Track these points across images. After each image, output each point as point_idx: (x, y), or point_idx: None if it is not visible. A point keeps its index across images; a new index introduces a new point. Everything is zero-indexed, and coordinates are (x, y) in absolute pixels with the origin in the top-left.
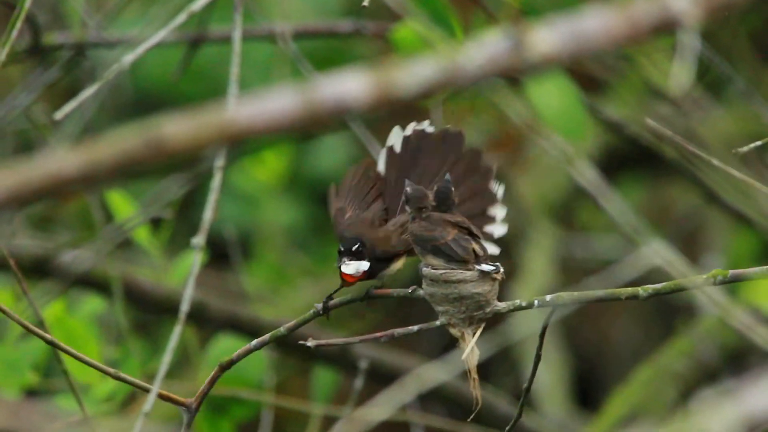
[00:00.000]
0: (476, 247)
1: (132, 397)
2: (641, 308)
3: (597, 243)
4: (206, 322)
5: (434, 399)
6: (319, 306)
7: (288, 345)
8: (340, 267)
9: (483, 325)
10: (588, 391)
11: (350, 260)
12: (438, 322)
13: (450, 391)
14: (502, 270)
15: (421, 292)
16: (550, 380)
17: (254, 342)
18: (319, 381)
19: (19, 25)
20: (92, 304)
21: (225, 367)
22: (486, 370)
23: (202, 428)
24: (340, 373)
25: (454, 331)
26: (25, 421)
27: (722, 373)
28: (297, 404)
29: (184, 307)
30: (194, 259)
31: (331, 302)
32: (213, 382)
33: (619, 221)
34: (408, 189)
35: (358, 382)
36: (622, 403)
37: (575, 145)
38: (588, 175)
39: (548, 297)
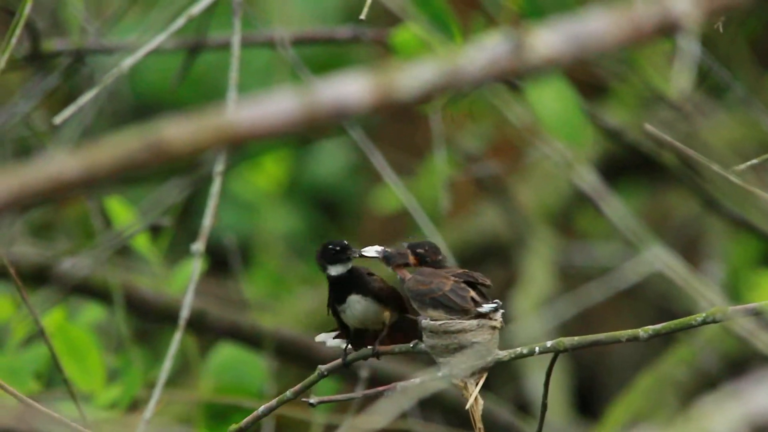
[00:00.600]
0: (474, 294)
1: (135, 404)
2: (642, 316)
3: (596, 250)
4: (206, 330)
5: (433, 406)
6: (323, 368)
7: (288, 354)
8: (360, 253)
9: (485, 375)
10: (589, 399)
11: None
12: (440, 374)
13: (449, 400)
14: (501, 312)
15: (422, 345)
16: (551, 388)
17: (262, 408)
18: (320, 390)
19: (18, 31)
20: (92, 312)
21: None
22: (487, 378)
23: None
24: (341, 382)
25: (456, 382)
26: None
27: (723, 381)
28: (298, 413)
29: (184, 313)
30: (194, 265)
31: (333, 363)
32: None
33: (620, 226)
34: (387, 250)
35: (359, 391)
36: (623, 411)
37: (575, 151)
38: (588, 180)
39: (548, 343)
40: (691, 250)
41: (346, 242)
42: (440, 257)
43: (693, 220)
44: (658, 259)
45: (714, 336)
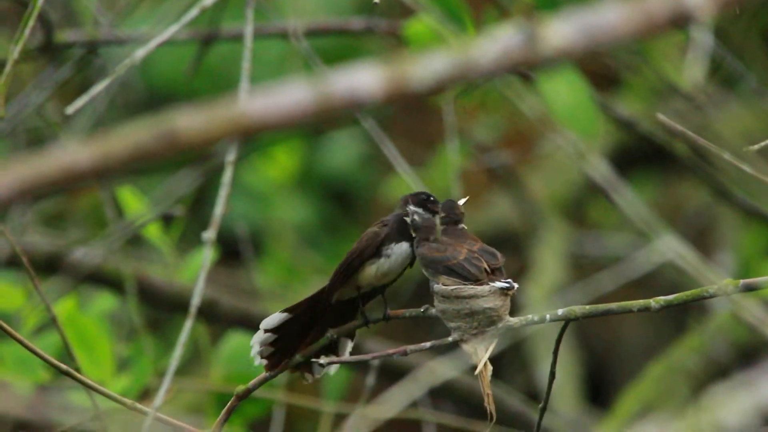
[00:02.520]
0: (488, 264)
1: (146, 392)
2: None
3: (608, 240)
4: (218, 319)
5: (444, 396)
6: (333, 331)
7: None
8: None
9: (495, 341)
10: (599, 388)
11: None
12: (450, 339)
13: (460, 388)
14: (516, 286)
15: (433, 310)
16: (561, 378)
17: (270, 372)
18: (331, 378)
19: (32, 23)
20: (104, 301)
21: (241, 396)
22: (497, 366)
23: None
24: (352, 371)
25: (466, 347)
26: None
27: (733, 369)
28: (308, 402)
29: (195, 301)
30: (205, 253)
31: (344, 326)
32: (230, 412)
33: (632, 216)
34: (416, 217)
35: (370, 379)
36: (634, 401)
37: (587, 141)
38: (600, 171)
39: (560, 311)
40: (702, 240)
41: (437, 199)
42: (452, 219)
43: (705, 210)
44: (670, 248)
45: (725, 324)
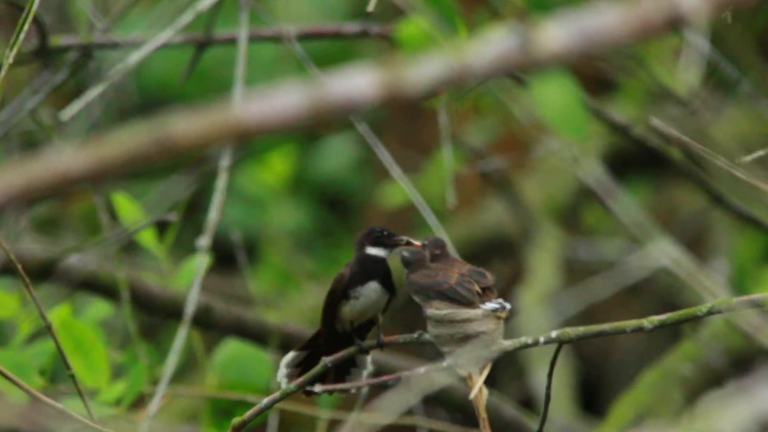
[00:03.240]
0: (479, 287)
1: (141, 399)
2: (647, 312)
3: (602, 245)
4: (212, 326)
5: (439, 403)
6: (328, 360)
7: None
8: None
9: (490, 365)
10: (594, 395)
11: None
12: (445, 363)
13: (454, 396)
14: (508, 307)
15: (426, 335)
16: (555, 384)
17: (266, 400)
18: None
19: (26, 27)
20: (98, 308)
21: (238, 428)
22: (491, 374)
23: None
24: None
25: (461, 372)
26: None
27: (728, 376)
28: (303, 408)
29: (189, 308)
30: (199, 260)
31: (338, 355)
32: None
33: (626, 221)
34: (405, 253)
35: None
36: (628, 407)
37: (581, 146)
38: (594, 176)
39: (553, 333)
40: (697, 245)
41: (392, 232)
42: (438, 251)
43: (699, 215)
44: (664, 254)
45: (719, 331)
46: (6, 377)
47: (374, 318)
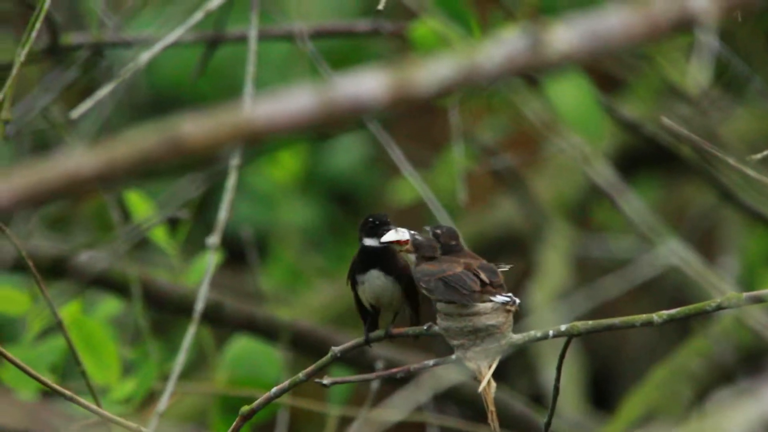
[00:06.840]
0: (484, 278)
1: (151, 396)
2: (657, 310)
3: (613, 243)
4: (223, 322)
5: (449, 399)
6: (337, 349)
7: (304, 346)
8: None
9: (499, 358)
10: (604, 391)
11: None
12: (454, 357)
13: (464, 392)
14: (517, 301)
15: (436, 328)
16: (565, 380)
17: (274, 389)
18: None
19: (38, 25)
20: (109, 305)
21: (247, 417)
22: (501, 369)
23: (218, 429)
24: (356, 374)
25: (470, 365)
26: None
27: (738, 373)
28: (313, 405)
29: (199, 305)
30: (210, 258)
31: (346, 344)
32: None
33: (636, 220)
34: (418, 238)
35: (375, 383)
36: (638, 404)
37: (592, 145)
38: (605, 174)
39: (563, 327)
40: (707, 243)
41: (387, 218)
42: (454, 242)
43: (709, 213)
44: (674, 253)
45: (729, 328)
46: (19, 368)
47: (399, 309)
